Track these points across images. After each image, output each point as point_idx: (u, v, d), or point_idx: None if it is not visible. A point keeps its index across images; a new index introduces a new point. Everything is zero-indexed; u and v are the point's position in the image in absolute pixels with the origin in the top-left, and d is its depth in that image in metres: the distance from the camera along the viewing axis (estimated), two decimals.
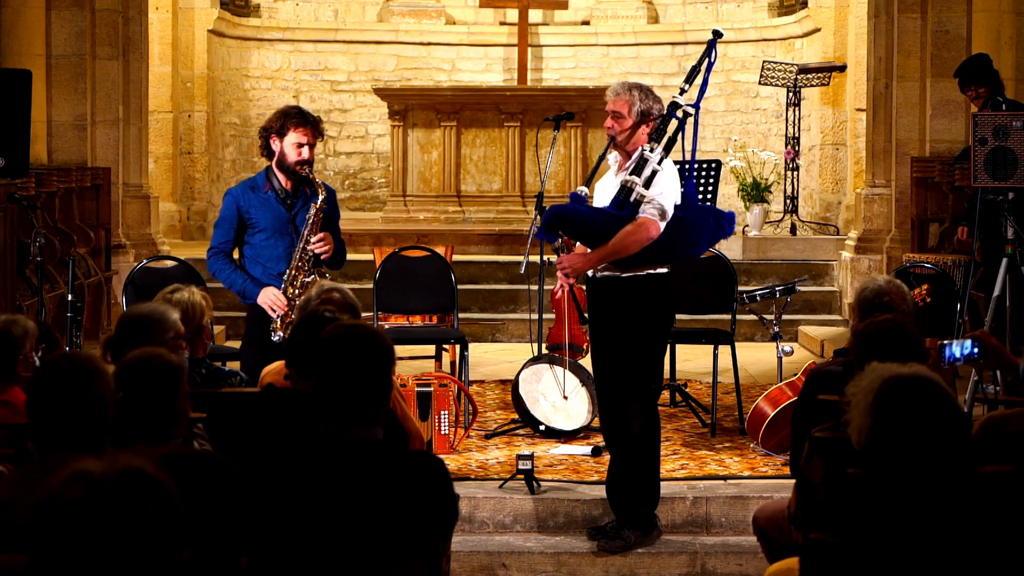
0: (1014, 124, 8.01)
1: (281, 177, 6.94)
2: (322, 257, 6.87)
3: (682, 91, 6.67)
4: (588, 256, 6.62)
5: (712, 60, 6.72)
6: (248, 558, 3.16)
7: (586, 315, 7.01)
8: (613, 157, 6.76)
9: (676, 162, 6.76)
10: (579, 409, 8.24)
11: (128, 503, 2.35)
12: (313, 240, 6.83)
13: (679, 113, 6.61)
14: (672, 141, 6.64)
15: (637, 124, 6.58)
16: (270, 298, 6.79)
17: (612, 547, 6.70)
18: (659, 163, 6.48)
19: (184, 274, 8.13)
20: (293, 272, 6.82)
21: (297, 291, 6.78)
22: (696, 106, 6.63)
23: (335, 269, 7.12)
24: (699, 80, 6.71)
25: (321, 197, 6.87)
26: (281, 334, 6.71)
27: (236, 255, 7.09)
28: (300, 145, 6.88)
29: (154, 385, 4.03)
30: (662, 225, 6.48)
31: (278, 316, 6.77)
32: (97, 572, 2.31)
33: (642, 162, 6.51)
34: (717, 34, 6.81)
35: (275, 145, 6.92)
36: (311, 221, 6.84)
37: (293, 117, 6.93)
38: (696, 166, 7.39)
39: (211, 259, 6.99)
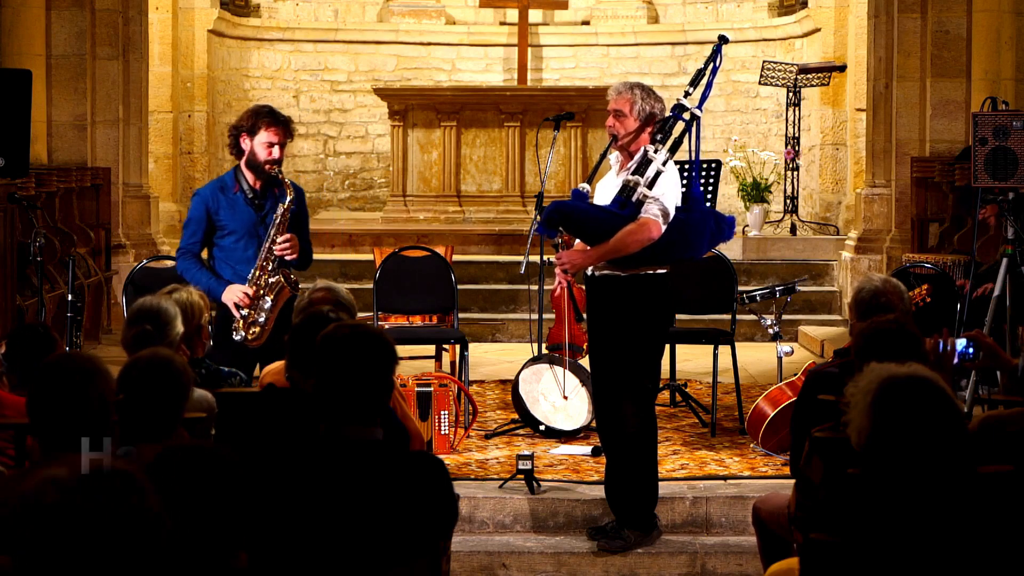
0: (1014, 124, 8.01)
1: (250, 176, 6.86)
2: (287, 258, 6.82)
3: (686, 94, 6.66)
4: (588, 253, 6.62)
5: (717, 65, 6.71)
6: (249, 556, 3.16)
7: (583, 314, 7.01)
8: (615, 156, 6.76)
9: (678, 163, 6.76)
10: (579, 409, 8.24)
11: (102, 503, 2.37)
12: (279, 241, 6.78)
13: (686, 116, 6.61)
14: (678, 143, 6.64)
15: (641, 125, 6.58)
16: (236, 295, 6.72)
17: (612, 547, 6.70)
18: (663, 164, 6.49)
19: None
20: (257, 272, 6.76)
21: (262, 291, 6.74)
22: (699, 109, 6.63)
23: (301, 270, 7.02)
24: (703, 84, 6.70)
25: (289, 197, 6.81)
26: (243, 333, 6.67)
27: (204, 255, 7.01)
28: (271, 144, 6.81)
29: (161, 387, 4.04)
30: (663, 226, 6.49)
31: (241, 315, 6.72)
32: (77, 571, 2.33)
33: (645, 162, 6.51)
34: (723, 39, 6.79)
35: (245, 144, 6.85)
36: (278, 221, 6.77)
37: (264, 116, 6.85)
38: (686, 166, 7.39)
39: (179, 260, 6.94)
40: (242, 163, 6.88)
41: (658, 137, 6.56)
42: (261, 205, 6.85)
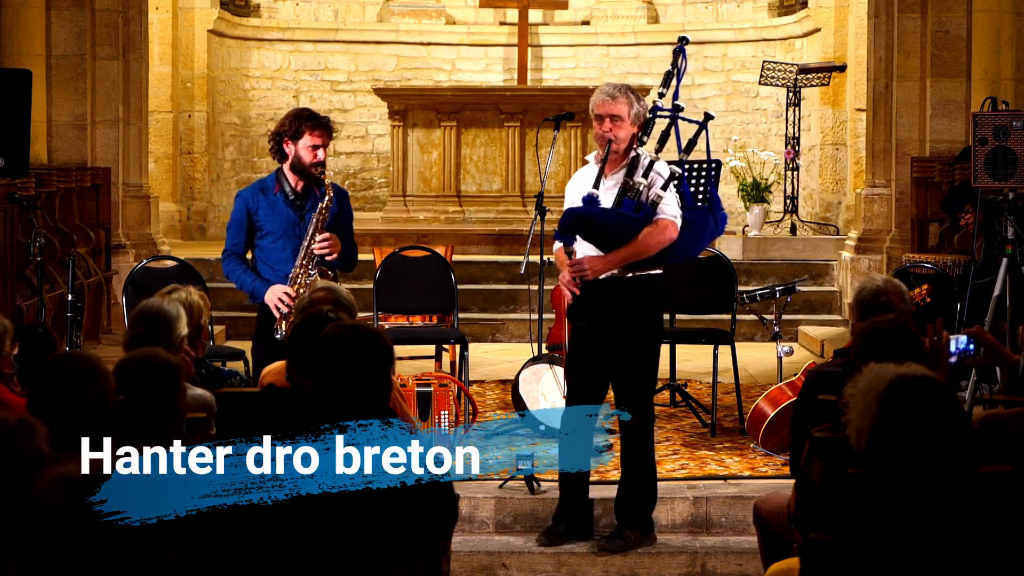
0: (1014, 124, 8.01)
1: (292, 179, 6.98)
2: (327, 258, 6.88)
3: (660, 95, 6.72)
4: (609, 257, 6.55)
5: (682, 70, 6.76)
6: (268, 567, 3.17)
7: None
8: (594, 156, 6.73)
9: (671, 162, 6.76)
10: None
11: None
12: (318, 239, 6.85)
13: (673, 113, 6.63)
14: (692, 144, 6.67)
15: (639, 129, 6.59)
16: (276, 295, 6.83)
17: (612, 547, 6.70)
18: (678, 165, 6.52)
19: (183, 274, 8.14)
20: (297, 271, 6.85)
21: (302, 290, 6.79)
22: (675, 110, 6.69)
23: (345, 271, 7.18)
24: (672, 88, 6.74)
25: (328, 197, 6.90)
26: (284, 332, 6.73)
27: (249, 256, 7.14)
28: (315, 147, 6.94)
29: (153, 385, 4.04)
30: (679, 225, 6.51)
31: (282, 314, 6.80)
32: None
33: (647, 165, 6.51)
34: (684, 40, 6.85)
35: (288, 148, 6.96)
36: (316, 220, 6.88)
37: (308, 120, 6.99)
38: (695, 166, 7.40)
39: (224, 261, 7.07)
40: (285, 166, 6.98)
41: (644, 139, 6.59)
42: (303, 206, 6.95)
